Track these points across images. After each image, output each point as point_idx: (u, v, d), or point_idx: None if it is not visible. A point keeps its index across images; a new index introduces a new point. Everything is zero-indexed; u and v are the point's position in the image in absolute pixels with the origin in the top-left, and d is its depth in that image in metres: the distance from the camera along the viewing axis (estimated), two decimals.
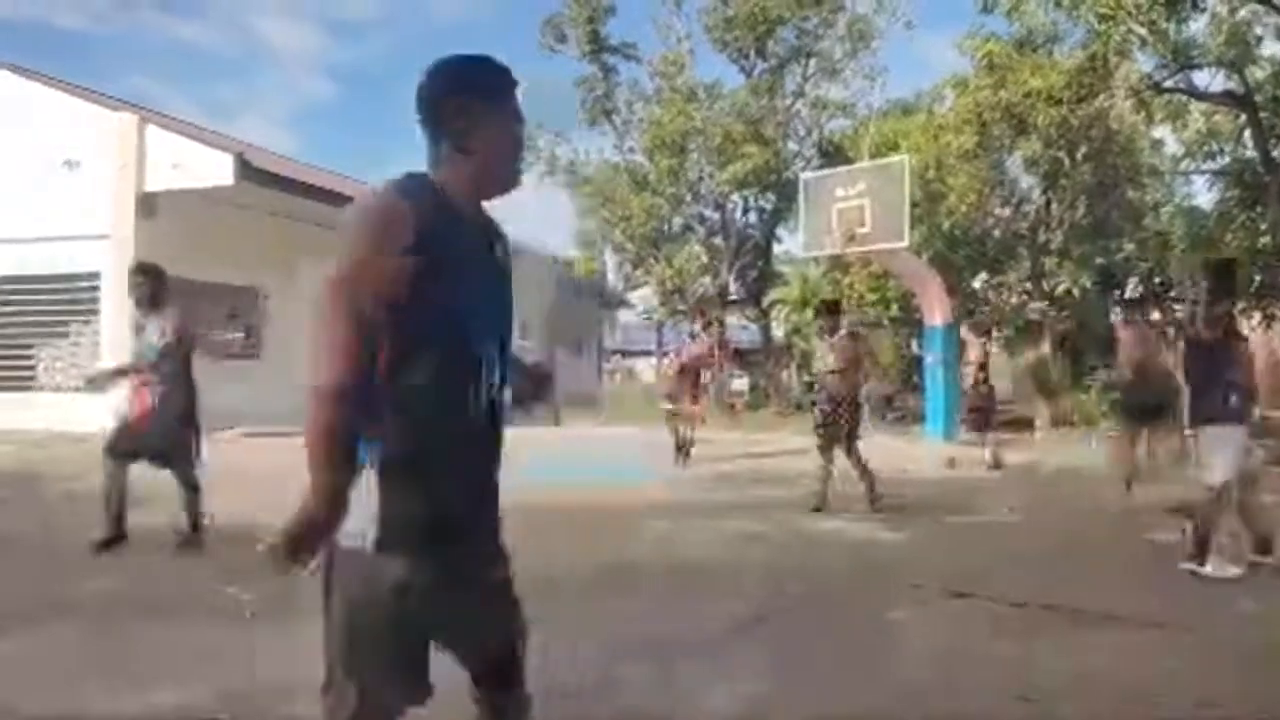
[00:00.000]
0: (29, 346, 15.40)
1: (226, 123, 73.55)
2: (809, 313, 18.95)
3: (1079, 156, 17.77)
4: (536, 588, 2.17)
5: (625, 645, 3.92)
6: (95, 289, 14.88)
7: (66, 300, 15.19)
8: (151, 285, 6.26)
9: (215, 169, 14.40)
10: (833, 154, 20.58)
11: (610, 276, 24.31)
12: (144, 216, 14.58)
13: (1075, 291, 16.84)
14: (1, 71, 16.02)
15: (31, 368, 15.45)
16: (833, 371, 7.60)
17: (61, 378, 15.25)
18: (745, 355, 27.02)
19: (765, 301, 21.97)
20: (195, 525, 6.14)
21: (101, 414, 14.32)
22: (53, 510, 7.67)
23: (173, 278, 15.28)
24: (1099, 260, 17.36)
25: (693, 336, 11.45)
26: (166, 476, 6.22)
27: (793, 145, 21.84)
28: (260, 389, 16.47)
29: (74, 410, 14.70)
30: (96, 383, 6.83)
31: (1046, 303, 16.92)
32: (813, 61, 21.76)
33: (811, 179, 16.26)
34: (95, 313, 14.90)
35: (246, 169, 14.56)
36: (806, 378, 20.90)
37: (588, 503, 8.03)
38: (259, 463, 11.29)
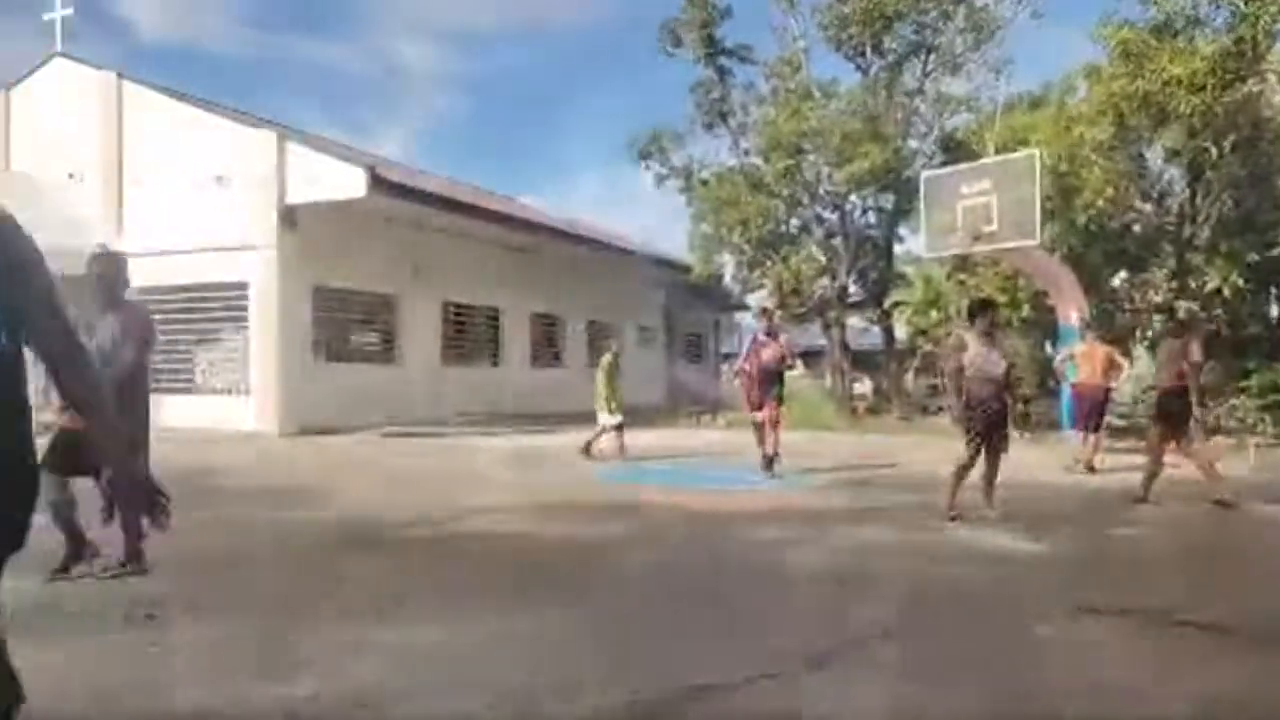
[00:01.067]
0: (188, 351, 16.61)
1: (365, 140, 77.37)
2: (933, 314, 18.38)
3: (1226, 146, 16.59)
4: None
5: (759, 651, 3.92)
6: (245, 297, 15.89)
7: (219, 308, 16.28)
8: (109, 279, 5.19)
9: (348, 182, 15.17)
10: (955, 150, 19.89)
11: (727, 279, 24.25)
12: (285, 228, 15.48)
13: (1225, 290, 15.72)
14: (160, 96, 17.33)
15: (190, 371, 16.66)
16: (997, 375, 7.21)
17: (217, 380, 16.38)
18: (864, 358, 26.45)
19: (887, 303, 21.43)
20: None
21: (249, 414, 15.43)
22: (226, 503, 8.18)
23: (315, 285, 16.38)
24: (1251, 256, 16.17)
25: (769, 336, 10.36)
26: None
27: (913, 143, 21.24)
28: (395, 391, 17.30)
29: (229, 410, 15.83)
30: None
31: (1194, 302, 15.87)
32: (932, 56, 21.13)
33: (933, 177, 15.81)
34: (245, 319, 15.91)
35: (377, 181, 15.27)
36: (931, 380, 20.29)
37: (714, 508, 8.07)
38: (397, 462, 11.90)
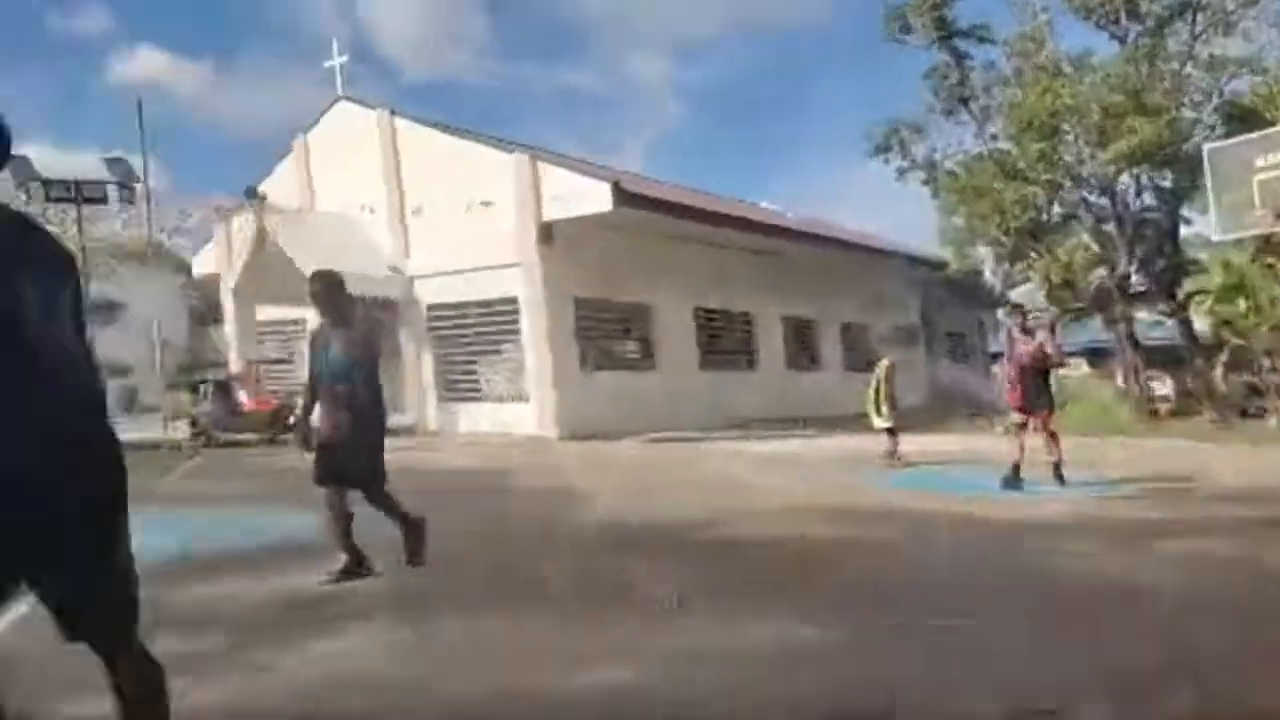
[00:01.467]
0: (473, 363, 18.25)
1: (610, 155, 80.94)
2: (1240, 303, 16.25)
3: None
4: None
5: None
6: (515, 311, 17.19)
7: (495, 322, 17.67)
8: (331, 296, 5.36)
9: (596, 198, 15.98)
10: (1242, 119, 17.62)
11: (987, 274, 22.93)
12: (544, 244, 16.59)
13: None
14: (427, 129, 19.13)
15: (476, 381, 18.29)
16: None
17: (500, 389, 17.90)
18: (1159, 355, 23.92)
19: (1181, 293, 19.19)
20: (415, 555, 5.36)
21: (529, 420, 16.65)
22: (513, 501, 8.88)
23: (575, 297, 17.36)
24: None
25: (1024, 333, 9.59)
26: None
27: (1188, 113, 19.05)
28: (656, 396, 18.03)
29: (511, 416, 17.24)
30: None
31: None
32: (1200, 16, 18.86)
33: (1219, 149, 14.25)
34: (518, 332, 17.22)
35: (622, 195, 15.96)
36: (1248, 378, 17.94)
37: (1003, 516, 7.71)
38: (668, 466, 12.34)
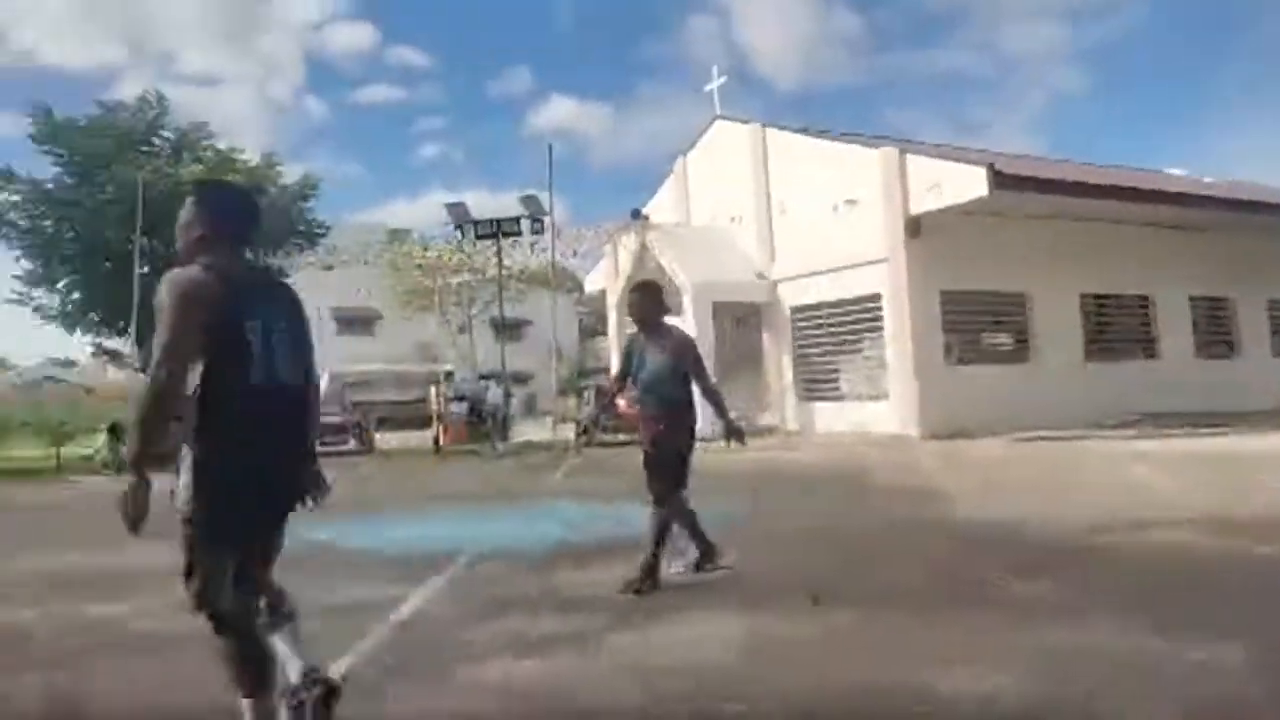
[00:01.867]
0: (834, 362, 18.30)
1: (979, 138, 75.70)
2: None
3: None
4: None
5: None
6: (878, 308, 16.91)
7: (858, 320, 17.57)
8: (648, 303, 5.50)
9: (970, 184, 15.07)
10: None
11: None
12: (910, 237, 16.04)
13: None
14: (794, 136, 19.43)
15: (835, 381, 18.32)
16: None
17: (860, 387, 17.73)
18: None
19: None
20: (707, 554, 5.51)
21: (890, 419, 16.28)
22: (866, 500, 8.89)
23: (943, 291, 16.66)
24: None
25: None
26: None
27: None
28: (1030, 392, 16.62)
29: (870, 415, 17.03)
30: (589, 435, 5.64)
31: None
32: None
33: None
34: (880, 329, 16.93)
35: (1000, 179, 14.88)
36: None
37: None
38: (1046, 466, 11.43)
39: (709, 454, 6.28)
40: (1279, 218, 18.72)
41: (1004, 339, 18.13)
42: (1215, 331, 19.97)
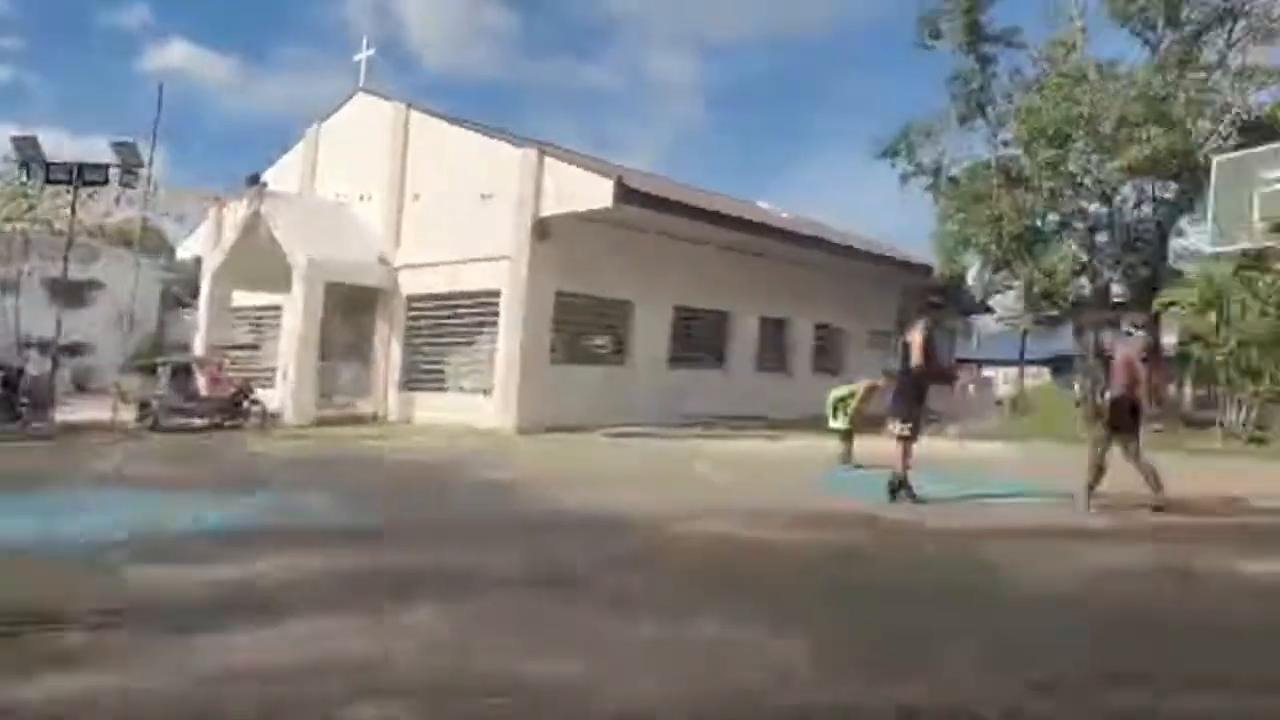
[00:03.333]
0: (444, 354, 18.15)
1: (613, 154, 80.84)
2: (1210, 317, 16.12)
3: None
4: None
5: None
6: (496, 304, 17.05)
7: (473, 314, 17.61)
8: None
9: (597, 193, 15.81)
10: (1256, 131, 17.38)
11: (969, 281, 22.71)
12: (538, 239, 16.42)
13: None
14: (439, 121, 19.06)
15: (443, 372, 18.17)
16: None
17: (466, 380, 17.74)
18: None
19: (1156, 304, 19.03)
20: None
21: (490, 412, 16.46)
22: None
23: (559, 292, 17.19)
24: None
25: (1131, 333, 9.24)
26: None
27: (1205, 124, 18.77)
28: (622, 392, 17.87)
29: (473, 407, 16.97)
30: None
31: None
32: (1240, 24, 18.62)
33: (1226, 161, 14.02)
34: (495, 324, 17.06)
35: (624, 192, 15.77)
36: (1200, 391, 17.92)
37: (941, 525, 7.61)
38: (623, 459, 12.27)
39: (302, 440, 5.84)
40: (829, 255, 21.98)
41: (605, 342, 19.25)
42: (775, 349, 22.90)
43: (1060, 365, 28.04)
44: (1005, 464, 11.82)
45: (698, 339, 20.88)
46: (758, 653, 3.88)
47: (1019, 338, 25.25)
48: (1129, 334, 9.39)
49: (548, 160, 16.77)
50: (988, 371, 31.97)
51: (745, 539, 6.61)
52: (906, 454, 8.33)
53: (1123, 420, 8.03)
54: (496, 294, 17.01)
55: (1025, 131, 19.41)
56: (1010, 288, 21.82)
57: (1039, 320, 20.06)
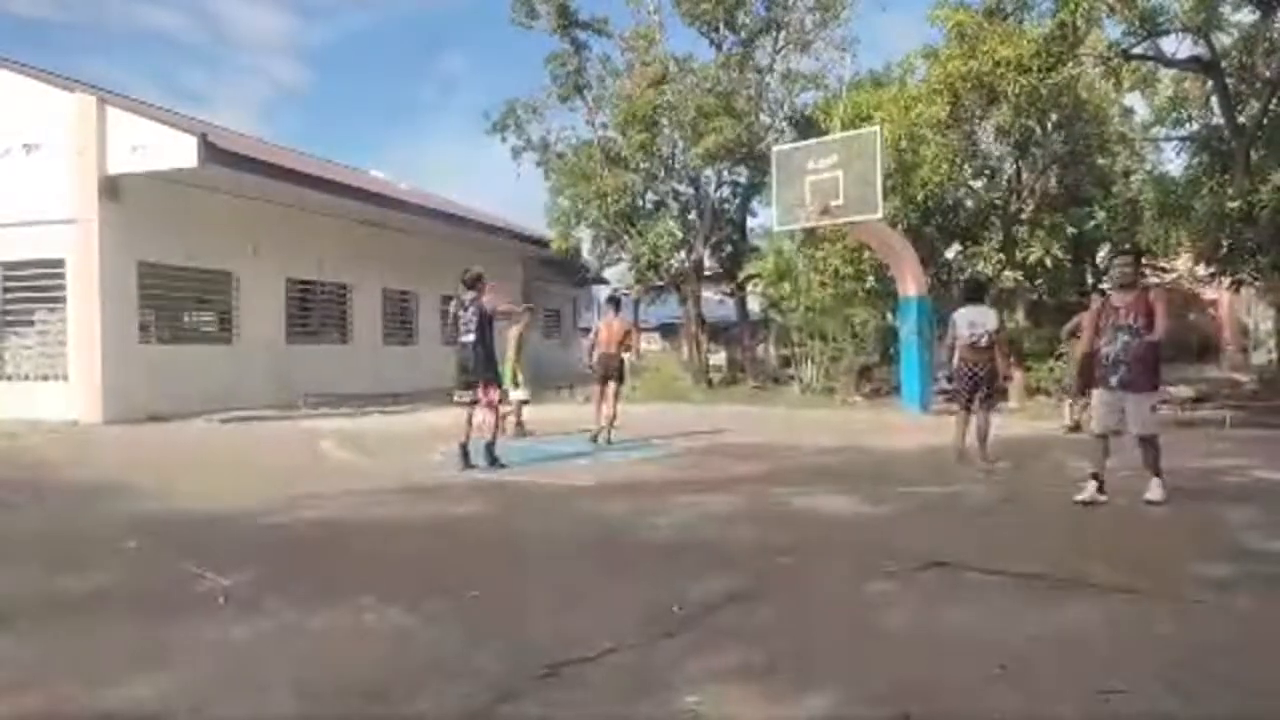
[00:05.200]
0: None
1: (197, 109, 71.75)
2: (785, 286, 18.95)
3: (1050, 125, 17.87)
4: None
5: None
6: (61, 275, 14.58)
7: (30, 288, 14.89)
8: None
9: (179, 151, 14.11)
10: (805, 126, 20.49)
11: (585, 254, 24.19)
12: (107, 200, 14.30)
13: (1048, 261, 16.91)
14: None
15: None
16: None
17: (31, 366, 15.01)
18: (720, 330, 27.08)
19: (740, 276, 21.92)
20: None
21: (69, 403, 14.19)
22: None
23: (142, 262, 15.15)
24: (1070, 229, 17.46)
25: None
26: None
27: (765, 118, 21.68)
28: (232, 372, 16.39)
29: (45, 397, 14.53)
30: None
31: (1019, 272, 17.00)
32: (783, 34, 21.64)
33: (783, 152, 16.20)
34: (62, 299, 14.61)
35: (211, 151, 14.27)
36: (784, 351, 21.00)
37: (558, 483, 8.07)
38: (238, 449, 11.29)
39: None
40: (451, 226, 22.07)
41: (208, 318, 17.50)
42: (401, 321, 22.54)
43: (668, 330, 31.06)
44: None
45: (317, 313, 19.78)
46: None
47: (632, 306, 27.38)
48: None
49: (112, 110, 14.58)
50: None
51: (356, 522, 6.46)
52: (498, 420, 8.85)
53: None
54: (60, 263, 14.53)
55: (620, 116, 21.05)
56: (621, 260, 23.52)
57: (648, 290, 21.96)
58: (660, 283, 22.29)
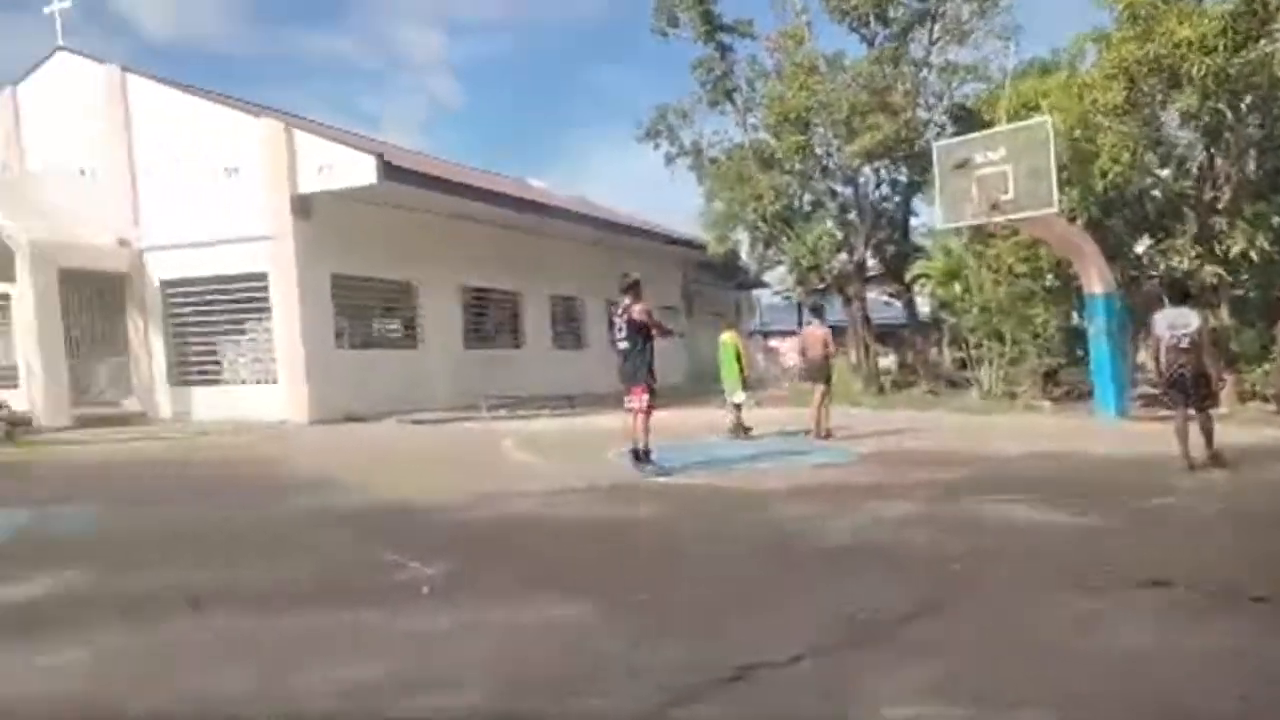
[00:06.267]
0: (213, 344, 16.75)
1: (369, 129, 76.90)
2: (956, 287, 18.17)
3: (1243, 107, 16.33)
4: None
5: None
6: (265, 287, 15.92)
7: (241, 300, 16.33)
8: None
9: (360, 170, 15.15)
10: (967, 119, 19.62)
11: (744, 257, 24.14)
12: (300, 217, 15.49)
13: (1253, 254, 15.42)
14: (165, 89, 17.27)
15: (217, 363, 16.79)
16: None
17: (247, 371, 16.51)
18: (887, 332, 26.21)
19: (908, 276, 21.18)
20: None
21: (277, 404, 15.43)
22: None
23: (334, 274, 16.27)
24: (1276, 218, 15.91)
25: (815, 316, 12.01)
26: None
27: (923, 113, 20.89)
28: (416, 376, 17.39)
29: (257, 400, 15.86)
30: None
31: (1220, 267, 15.59)
32: (938, 25, 20.80)
33: (945, 146, 15.56)
34: (267, 309, 15.97)
35: (389, 169, 15.22)
36: (959, 354, 20.02)
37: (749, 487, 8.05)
38: (434, 448, 11.95)
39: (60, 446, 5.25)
40: (611, 232, 22.61)
41: (394, 325, 18.69)
42: (570, 326, 23.21)
43: (833, 333, 30.29)
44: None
45: (491, 319, 20.77)
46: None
47: (796, 309, 27.02)
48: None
49: (299, 134, 15.85)
50: (773, 342, 34.12)
51: (558, 518, 6.67)
52: (647, 425, 8.58)
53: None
54: (263, 277, 15.88)
55: (772, 117, 20.78)
56: (780, 262, 23.29)
57: (809, 292, 21.64)
58: (822, 285, 21.86)
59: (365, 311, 17.77)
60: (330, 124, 21.27)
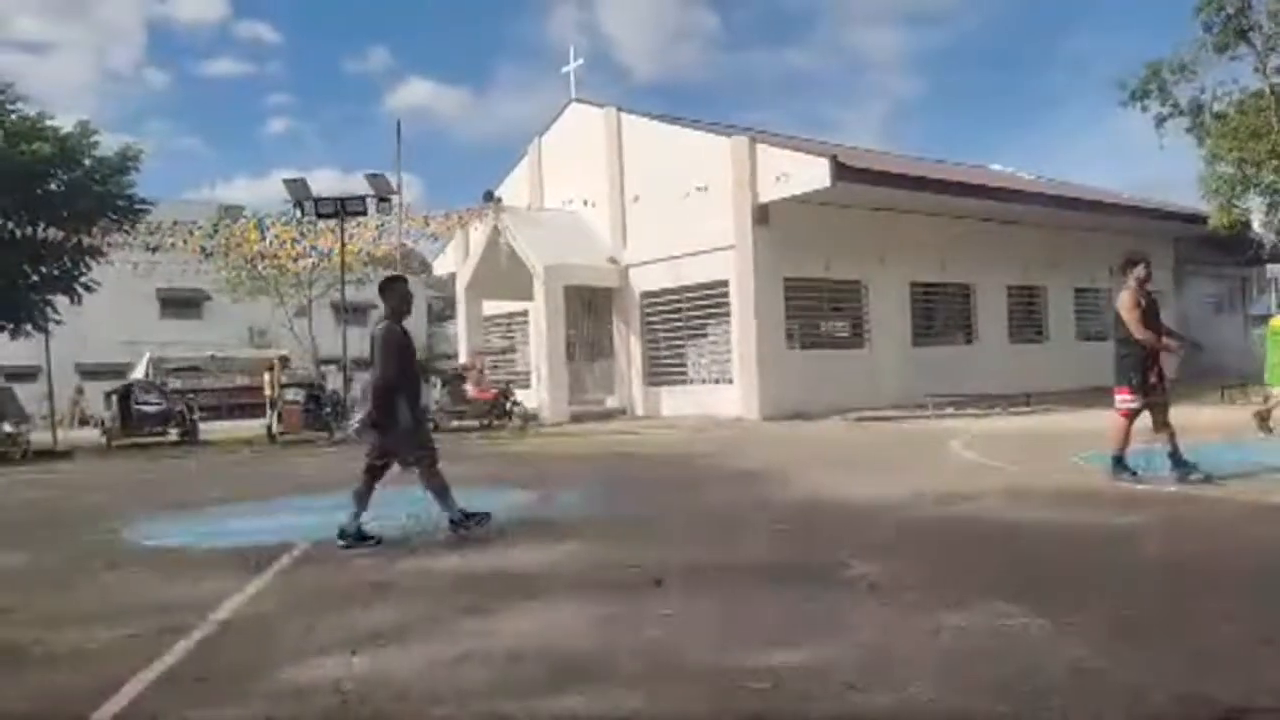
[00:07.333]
0: (680, 347, 18.60)
1: (834, 135, 79.09)
2: None
3: None
4: None
5: None
6: (725, 293, 17.26)
7: (704, 306, 17.93)
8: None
9: (814, 174, 15.64)
10: None
11: (1256, 227, 20.12)
12: (759, 225, 16.49)
13: None
14: (647, 120, 19.59)
15: (683, 365, 18.62)
16: None
17: (705, 371, 18.08)
18: None
19: None
20: None
21: (735, 402, 16.69)
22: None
23: (786, 278, 17.11)
24: None
25: None
26: None
27: None
28: (864, 375, 17.49)
29: (715, 398, 17.34)
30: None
31: None
32: None
33: None
34: (727, 314, 17.28)
35: (841, 170, 15.50)
36: None
37: None
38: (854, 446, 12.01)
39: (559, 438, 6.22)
40: (1082, 213, 20.39)
41: (841, 325, 18.96)
42: (1029, 318, 21.52)
43: None
44: None
45: (940, 315, 20.13)
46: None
47: None
48: None
49: (760, 146, 16.79)
50: None
51: (1025, 522, 6.30)
52: (1126, 429, 7.43)
53: None
54: (724, 284, 17.23)
55: None
56: None
57: None
58: None
59: (814, 312, 18.27)
60: (792, 135, 22.26)
